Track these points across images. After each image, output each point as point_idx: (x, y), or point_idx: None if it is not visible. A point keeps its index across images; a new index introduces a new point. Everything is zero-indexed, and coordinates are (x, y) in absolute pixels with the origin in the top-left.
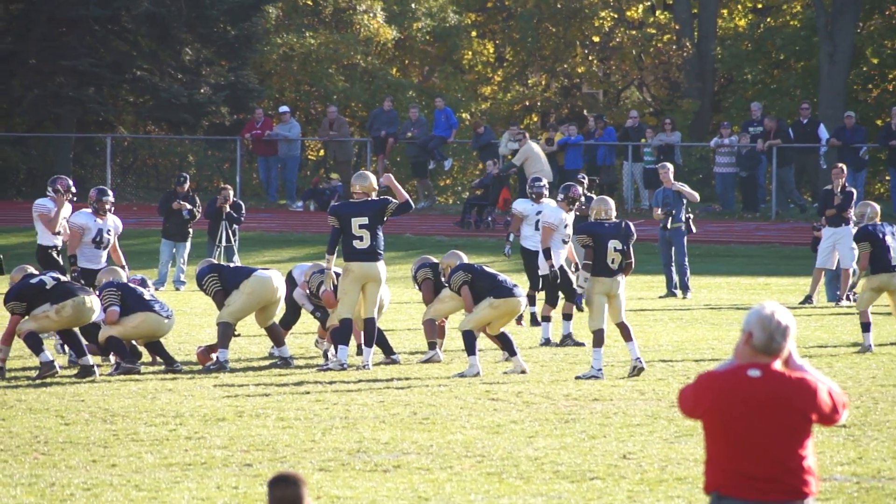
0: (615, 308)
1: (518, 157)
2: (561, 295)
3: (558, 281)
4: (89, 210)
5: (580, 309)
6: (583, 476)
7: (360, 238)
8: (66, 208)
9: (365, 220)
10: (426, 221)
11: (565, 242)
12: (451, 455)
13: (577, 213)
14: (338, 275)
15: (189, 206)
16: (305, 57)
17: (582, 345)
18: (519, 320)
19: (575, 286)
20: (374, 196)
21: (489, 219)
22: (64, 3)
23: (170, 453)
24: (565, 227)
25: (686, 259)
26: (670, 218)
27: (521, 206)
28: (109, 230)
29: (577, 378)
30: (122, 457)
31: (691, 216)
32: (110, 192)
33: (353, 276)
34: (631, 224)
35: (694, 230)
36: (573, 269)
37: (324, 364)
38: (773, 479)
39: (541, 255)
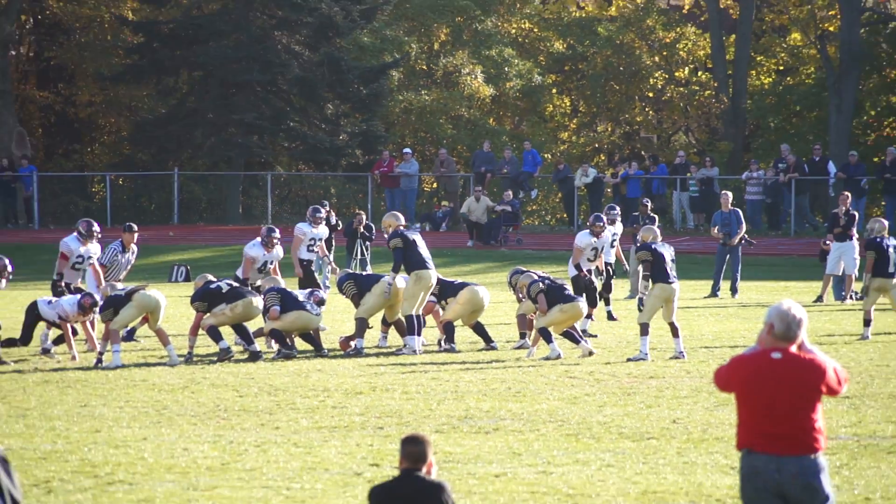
0: (669, 310)
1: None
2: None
3: (593, 286)
4: (259, 241)
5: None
6: (641, 436)
7: (427, 254)
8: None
9: (422, 242)
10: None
11: (590, 261)
12: (538, 420)
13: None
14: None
15: (336, 219)
16: (421, 110)
17: (594, 336)
18: (589, 315)
19: (639, 293)
20: None
21: (519, 237)
22: (234, 70)
23: (320, 419)
24: (592, 249)
25: (739, 267)
26: (727, 236)
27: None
28: (272, 261)
29: (628, 360)
30: (283, 421)
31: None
32: (276, 230)
33: (424, 282)
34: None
35: (753, 243)
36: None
37: (399, 348)
38: (792, 437)
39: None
